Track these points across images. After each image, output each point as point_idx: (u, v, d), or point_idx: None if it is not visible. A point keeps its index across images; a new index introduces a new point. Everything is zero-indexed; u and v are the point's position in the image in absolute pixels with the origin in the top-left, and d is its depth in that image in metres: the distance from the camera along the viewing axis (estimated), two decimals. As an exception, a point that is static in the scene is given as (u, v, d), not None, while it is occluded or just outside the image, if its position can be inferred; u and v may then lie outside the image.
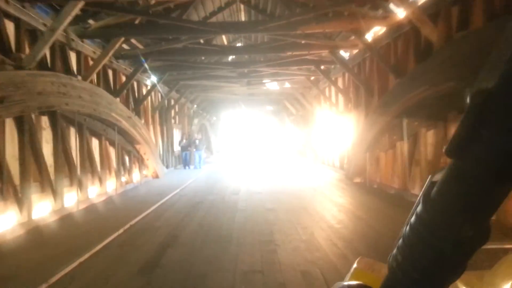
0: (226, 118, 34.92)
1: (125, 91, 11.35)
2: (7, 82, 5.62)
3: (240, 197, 8.88)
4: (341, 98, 13.55)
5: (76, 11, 6.43)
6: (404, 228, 0.45)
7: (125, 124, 10.05)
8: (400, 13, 8.03)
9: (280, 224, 5.89)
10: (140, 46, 10.99)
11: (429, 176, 0.44)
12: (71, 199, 7.82)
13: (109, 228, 5.85)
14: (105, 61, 8.78)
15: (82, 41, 8.62)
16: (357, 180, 11.05)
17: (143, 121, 12.91)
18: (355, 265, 0.73)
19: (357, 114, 11.66)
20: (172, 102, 16.90)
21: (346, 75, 12.72)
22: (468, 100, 0.38)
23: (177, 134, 17.66)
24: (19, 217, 6.07)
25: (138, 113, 12.32)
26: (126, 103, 11.39)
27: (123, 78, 11.18)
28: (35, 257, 4.57)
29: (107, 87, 10.05)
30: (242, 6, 12.48)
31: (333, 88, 14.50)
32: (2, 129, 5.97)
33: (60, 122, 7.58)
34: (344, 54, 12.19)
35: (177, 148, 16.81)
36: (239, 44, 15.08)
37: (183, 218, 6.57)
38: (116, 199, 9.12)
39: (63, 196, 7.45)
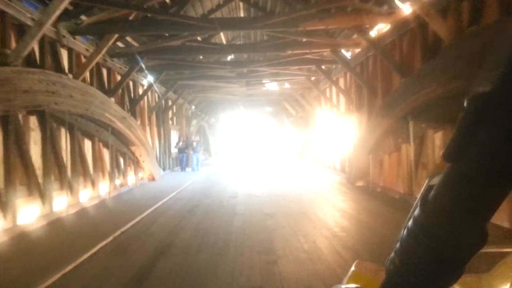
0: (225, 119, 34.58)
1: (120, 91, 11.00)
2: (-11, 79, 5.27)
3: (238, 200, 8.52)
4: (342, 99, 13.21)
5: (65, 4, 6.08)
6: (402, 231, 0.45)
7: (119, 125, 9.69)
8: (406, 9, 7.71)
9: (280, 231, 5.53)
10: (136, 44, 10.63)
11: (427, 180, 0.45)
12: (61, 203, 7.46)
13: (98, 234, 5.49)
14: (98, 58, 8.42)
15: (74, 38, 8.28)
16: (359, 183, 10.70)
17: (139, 122, 12.55)
18: (353, 268, 0.70)
19: (359, 115, 11.32)
20: (170, 102, 16.54)
21: (348, 75, 12.38)
22: (465, 104, 0.38)
23: (174, 136, 17.30)
24: (2, 222, 5.70)
25: (134, 114, 11.96)
26: (121, 103, 11.04)
27: (118, 78, 10.84)
28: (15, 268, 4.21)
29: (101, 87, 9.70)
30: (241, 4, 12.14)
31: (334, 89, 14.16)
32: (-15, 129, 5.62)
33: (49, 122, 7.22)
34: (346, 53, 11.86)
35: (174, 150, 16.44)
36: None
37: (178, 224, 6.20)
38: (109, 202, 8.76)
39: (52, 200, 7.09)
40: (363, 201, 8.23)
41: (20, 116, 6.49)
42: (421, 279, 0.43)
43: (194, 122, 22.42)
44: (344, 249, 4.66)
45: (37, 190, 6.72)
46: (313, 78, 15.04)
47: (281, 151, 29.45)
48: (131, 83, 12.12)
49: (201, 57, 13.57)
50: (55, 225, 6.40)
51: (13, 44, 6.35)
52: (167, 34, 9.76)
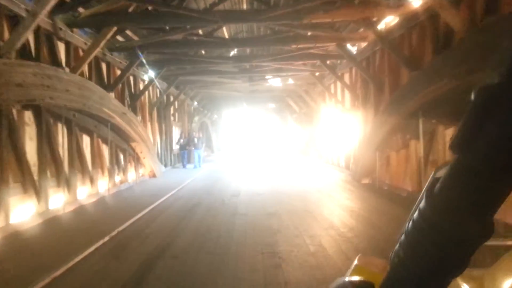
0: (228, 116, 34.30)
1: (120, 86, 10.76)
2: (-22, 71, 5.02)
3: (241, 199, 8.26)
4: (347, 95, 12.91)
5: (59, -6, 5.81)
6: (407, 224, 0.45)
7: (119, 121, 9.44)
8: (416, 1, 7.40)
9: (284, 232, 5.26)
10: (136, 38, 10.37)
11: (432, 172, 0.45)
12: (58, 200, 7.23)
13: (94, 234, 5.24)
14: (96, 52, 8.16)
15: (72, 31, 8.01)
16: (365, 181, 10.41)
17: (140, 118, 12.31)
18: (355, 262, 0.67)
19: (365, 111, 11.03)
20: (171, 98, 16.28)
21: (354, 70, 12.08)
22: (472, 96, 0.38)
23: (176, 132, 17.05)
24: (-5, 221, 5.48)
25: (134, 110, 11.71)
26: (121, 98, 10.79)
27: (118, 72, 10.57)
28: (3, 270, 3.97)
29: (100, 82, 9.45)
30: (244, -3, 11.85)
31: (339, 85, 13.85)
32: (-25, 124, 5.38)
33: (45, 117, 6.98)
34: (352, 48, 11.54)
35: (176, 146, 16.20)
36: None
37: (177, 224, 5.95)
38: (108, 200, 8.52)
39: (48, 198, 6.85)
40: (369, 199, 7.96)
41: (14, 110, 6.25)
42: (426, 271, 0.43)
43: (196, 118, 22.17)
44: (352, 251, 4.39)
45: (32, 187, 6.49)
46: (317, 74, 14.74)
47: (284, 148, 29.17)
48: (131, 78, 11.87)
49: (203, 52, 13.30)
50: (50, 223, 6.17)
51: (7, 36, 6.10)
52: (167, 28, 9.48)
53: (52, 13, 7.23)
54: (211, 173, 14.00)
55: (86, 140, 8.76)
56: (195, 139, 16.03)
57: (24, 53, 6.50)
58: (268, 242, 4.79)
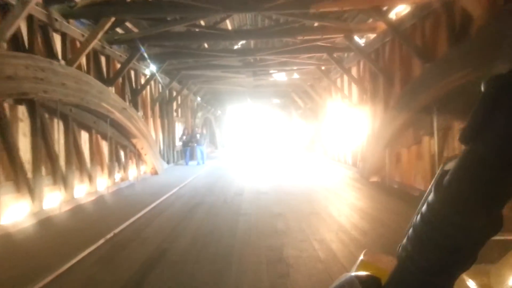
0: (232, 111, 33.95)
1: (120, 80, 10.43)
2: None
3: (244, 198, 7.91)
4: (355, 89, 12.49)
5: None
6: (415, 217, 0.44)
7: (118, 116, 9.11)
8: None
9: (291, 235, 4.91)
10: (136, 31, 10.01)
11: (441, 165, 0.43)
12: (54, 199, 6.93)
13: (89, 236, 4.93)
14: (94, 44, 7.80)
15: (68, 22, 7.67)
16: (374, 179, 10.03)
17: (141, 113, 11.98)
18: (361, 257, 0.65)
19: (373, 106, 10.62)
20: (174, 93, 15.93)
21: (361, 64, 11.65)
22: (482, 87, 0.38)
23: (179, 128, 16.72)
24: (-16, 222, 5.18)
25: (135, 105, 11.38)
26: (121, 93, 10.45)
27: (118, 66, 10.23)
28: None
29: (99, 75, 9.11)
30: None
31: (345, 79, 13.43)
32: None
33: (40, 112, 6.65)
34: (359, 40, 11.11)
35: (178, 143, 15.86)
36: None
37: (176, 225, 5.61)
38: (107, 198, 8.21)
39: (43, 197, 6.54)
40: (379, 198, 7.58)
41: (6, 105, 5.93)
42: (434, 265, 0.42)
43: (199, 114, 21.83)
44: (366, 257, 4.02)
45: (26, 186, 6.17)
46: (323, 68, 14.31)
47: (289, 144, 28.79)
48: (132, 73, 11.53)
49: (206, 45, 12.92)
50: (44, 224, 5.86)
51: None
52: (168, 19, 9.12)
53: (47, 3, 6.91)
54: (214, 170, 13.66)
55: (84, 136, 8.43)
56: (198, 135, 15.69)
57: (16, 44, 6.17)
58: (274, 246, 4.44)
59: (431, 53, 7.18)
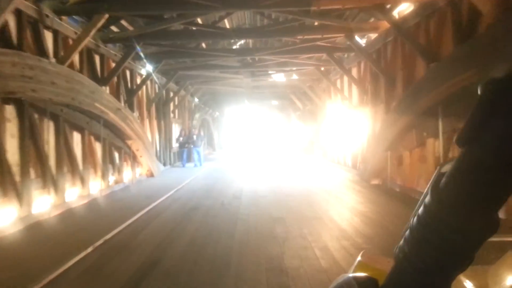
0: (230, 113, 33.68)
1: (115, 80, 10.16)
2: None
3: (242, 201, 7.64)
4: (355, 90, 12.25)
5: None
6: (412, 219, 0.45)
7: (112, 117, 8.83)
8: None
9: (292, 242, 4.64)
10: (131, 29, 9.74)
11: (438, 167, 0.44)
12: (43, 204, 6.64)
13: (77, 243, 4.66)
14: (86, 42, 7.53)
15: (60, 19, 7.40)
16: (375, 181, 9.79)
17: (137, 114, 11.70)
18: (359, 258, 0.68)
19: (374, 107, 10.39)
20: (171, 94, 15.64)
21: (362, 64, 11.43)
22: (479, 90, 0.38)
23: (176, 129, 16.43)
24: (-34, 228, 4.89)
25: (131, 106, 11.10)
26: (116, 94, 10.17)
27: (113, 66, 9.95)
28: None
29: (93, 75, 8.84)
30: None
31: (345, 80, 13.20)
32: None
33: (29, 112, 6.37)
34: (360, 41, 10.88)
35: (176, 144, 15.57)
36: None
37: (171, 231, 5.33)
38: (100, 202, 7.93)
39: (31, 201, 6.26)
40: (381, 202, 7.33)
41: (-8, 104, 5.66)
42: (431, 266, 0.42)
43: (197, 115, 21.55)
44: (371, 267, 3.76)
45: (13, 189, 5.89)
46: (322, 69, 14.07)
47: (288, 146, 28.54)
48: (128, 73, 11.25)
49: (203, 45, 12.67)
50: (32, 230, 5.57)
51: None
52: (165, 16, 8.86)
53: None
54: (211, 172, 13.38)
55: (76, 138, 8.15)
56: (194, 136, 15.40)
57: (3, 40, 5.89)
58: (273, 255, 4.17)
59: (435, 52, 6.94)
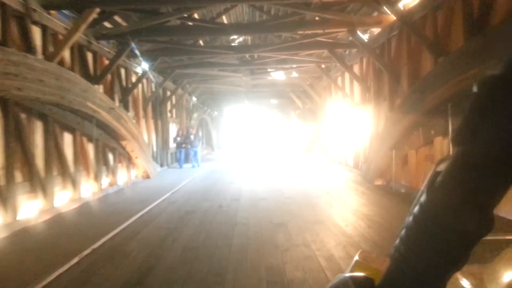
0: (229, 113, 33.33)
1: (109, 78, 9.81)
2: None
3: (241, 204, 7.29)
4: (356, 88, 11.90)
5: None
6: (408, 218, 0.45)
7: (106, 116, 8.47)
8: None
9: (294, 251, 4.29)
10: (125, 25, 9.37)
11: (434, 166, 0.44)
12: (30, 209, 6.30)
13: (62, 253, 4.31)
14: (76, 37, 7.17)
15: (49, 14, 7.04)
16: (378, 182, 9.44)
17: (132, 114, 11.35)
18: (356, 258, 0.65)
19: (377, 105, 10.04)
20: (168, 93, 15.28)
21: (364, 61, 11.07)
22: (475, 88, 0.38)
23: (174, 129, 16.06)
24: None
25: (126, 105, 10.76)
26: (110, 92, 9.82)
27: (107, 63, 9.59)
28: None
29: (85, 73, 8.50)
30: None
31: (347, 77, 12.85)
32: None
33: (14, 112, 6.02)
34: (363, 36, 10.52)
35: (172, 144, 15.20)
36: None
37: (164, 238, 4.98)
38: (92, 206, 7.58)
39: (17, 206, 5.92)
40: (387, 205, 6.98)
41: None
42: (427, 265, 0.42)
43: (195, 115, 21.18)
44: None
45: (-3, 194, 5.55)
46: (323, 66, 13.72)
47: (288, 145, 28.20)
48: (122, 71, 10.89)
49: (201, 42, 12.31)
50: (16, 237, 5.21)
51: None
52: (161, 11, 8.50)
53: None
54: (209, 173, 13.02)
55: (67, 139, 7.80)
56: (191, 136, 15.03)
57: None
58: (274, 265, 3.82)
59: (444, 46, 6.60)
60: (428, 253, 0.42)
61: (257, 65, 13.65)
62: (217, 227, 5.48)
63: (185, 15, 8.48)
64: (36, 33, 6.82)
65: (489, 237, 0.42)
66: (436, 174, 0.43)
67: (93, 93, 8.03)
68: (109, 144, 9.49)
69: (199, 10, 8.78)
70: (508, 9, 5.07)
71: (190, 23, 9.38)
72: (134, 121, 11.03)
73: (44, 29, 6.99)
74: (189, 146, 14.76)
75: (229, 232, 5.13)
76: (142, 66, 11.26)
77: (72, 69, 7.84)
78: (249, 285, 3.41)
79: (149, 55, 11.02)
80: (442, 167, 0.43)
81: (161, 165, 14.03)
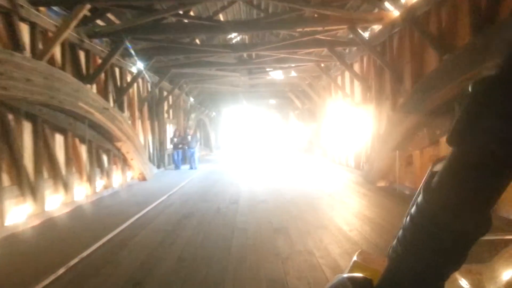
0: (227, 113, 33.04)
1: (103, 78, 9.53)
2: None
3: (240, 207, 7.01)
4: (357, 87, 11.65)
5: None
6: (405, 219, 0.45)
7: (99, 117, 8.18)
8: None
9: (297, 259, 4.02)
10: (119, 22, 9.09)
11: (430, 166, 0.44)
12: (19, 213, 6.01)
13: (49, 262, 4.03)
14: (66, 35, 6.89)
15: (38, 10, 6.76)
16: (381, 183, 9.19)
17: (127, 114, 11.07)
18: (354, 258, 0.64)
19: (379, 104, 9.80)
20: (165, 93, 14.98)
21: (365, 59, 10.83)
22: (469, 88, 0.38)
23: (171, 130, 15.77)
24: None
25: (120, 105, 10.48)
26: (104, 92, 9.55)
27: (100, 63, 9.30)
28: None
29: (77, 72, 8.22)
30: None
31: (347, 76, 12.60)
32: None
33: (0, 112, 5.74)
34: (363, 34, 10.27)
35: (170, 145, 14.91)
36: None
37: (159, 245, 4.70)
38: (85, 209, 7.30)
39: (6, 211, 5.63)
40: (392, 208, 6.71)
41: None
42: (424, 266, 0.42)
43: (193, 115, 20.88)
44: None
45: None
46: (322, 65, 13.45)
47: (287, 146, 27.94)
48: (117, 70, 10.60)
49: (197, 41, 12.04)
50: (2, 244, 4.92)
51: None
52: (156, 8, 8.23)
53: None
54: (207, 175, 12.73)
55: (59, 140, 7.51)
56: (188, 137, 14.74)
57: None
58: (276, 277, 3.55)
59: (449, 42, 6.36)
60: (425, 253, 0.41)
61: (255, 65, 13.39)
62: (214, 233, 5.19)
63: (181, 12, 8.20)
64: (24, 30, 6.54)
65: (487, 237, 0.42)
66: (432, 174, 0.42)
67: (85, 93, 7.74)
68: (103, 146, 9.21)
69: (195, 8, 8.51)
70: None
71: (186, 21, 9.09)
72: (129, 122, 10.75)
73: (33, 26, 6.71)
74: (186, 147, 14.46)
75: (228, 238, 4.84)
76: (137, 65, 10.99)
77: (63, 68, 7.57)
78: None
79: (144, 54, 10.74)
80: (438, 167, 0.42)
81: (158, 167, 13.74)
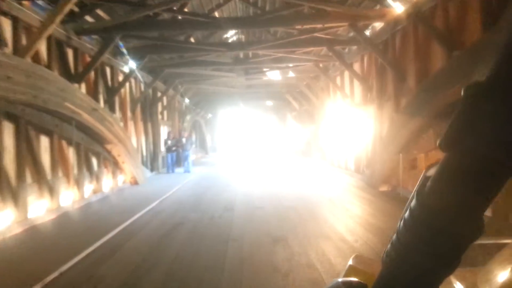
0: (223, 115, 32.64)
1: (93, 78, 9.12)
2: None
3: (235, 215, 6.61)
4: (357, 87, 11.30)
5: None
6: (398, 223, 0.45)
7: (87, 118, 7.76)
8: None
9: (298, 273, 3.63)
10: (109, 19, 8.69)
11: (424, 171, 0.44)
12: (2, 221, 5.58)
13: (25, 277, 3.62)
14: (51, 30, 6.46)
15: (21, 4, 6.35)
16: (384, 188, 8.82)
17: (119, 115, 10.65)
18: (350, 262, 0.67)
19: (380, 105, 9.44)
20: (159, 94, 14.57)
21: (365, 58, 10.48)
22: (462, 92, 0.38)
23: (165, 132, 15.34)
24: None
25: (112, 106, 10.06)
26: (94, 92, 9.13)
27: (89, 61, 8.88)
28: None
29: (64, 71, 7.82)
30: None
31: (346, 76, 12.25)
32: None
33: (-22, 113, 5.33)
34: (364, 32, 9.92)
35: (164, 148, 14.48)
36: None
37: (145, 258, 4.29)
38: (72, 216, 6.88)
39: (-19, 219, 5.21)
40: (397, 214, 6.30)
41: None
42: (418, 270, 0.42)
43: (188, 117, 20.47)
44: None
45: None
46: (321, 65, 13.10)
47: (284, 148, 27.56)
48: (108, 69, 10.18)
49: (192, 39, 11.65)
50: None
51: None
52: (149, 3, 7.84)
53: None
54: (202, 178, 12.31)
55: (44, 142, 7.09)
56: (183, 139, 14.32)
57: None
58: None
59: (457, 39, 6.01)
60: (419, 257, 0.41)
61: (251, 64, 13.01)
62: (207, 244, 4.77)
63: (175, 8, 7.81)
64: (6, 25, 6.13)
65: (481, 241, 0.42)
66: (426, 179, 0.42)
67: (72, 93, 7.32)
68: (93, 148, 8.78)
69: (190, 5, 8.12)
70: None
71: (180, 17, 8.71)
72: (121, 123, 10.34)
73: (15, 21, 6.29)
74: (180, 150, 14.04)
75: (221, 251, 4.44)
76: (129, 64, 10.57)
77: (49, 66, 7.15)
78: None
79: (136, 52, 10.34)
80: (432, 172, 0.41)
81: (151, 170, 13.32)
